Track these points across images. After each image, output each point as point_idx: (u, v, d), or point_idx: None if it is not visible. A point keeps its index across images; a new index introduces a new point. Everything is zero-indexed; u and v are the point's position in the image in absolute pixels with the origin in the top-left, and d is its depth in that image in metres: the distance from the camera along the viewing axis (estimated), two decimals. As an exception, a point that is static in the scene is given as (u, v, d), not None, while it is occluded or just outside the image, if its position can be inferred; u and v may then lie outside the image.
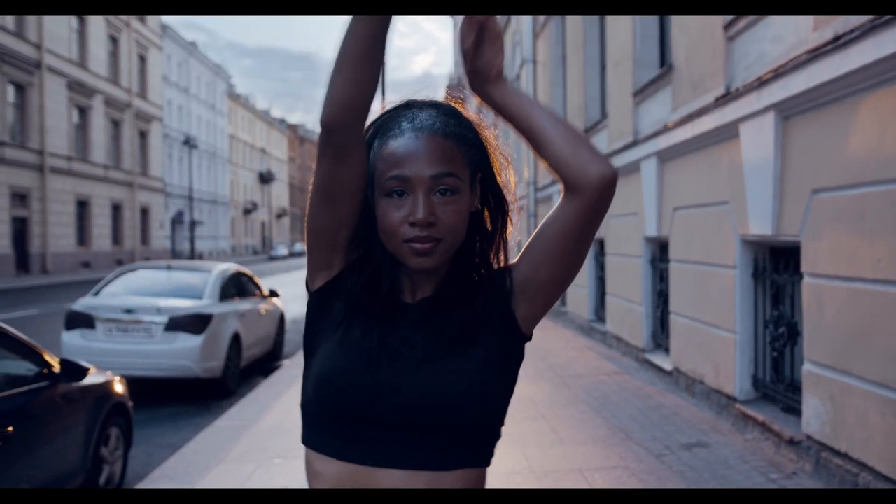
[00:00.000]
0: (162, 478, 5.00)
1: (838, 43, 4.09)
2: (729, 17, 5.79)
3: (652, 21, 8.56)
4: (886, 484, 3.83)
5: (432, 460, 1.16)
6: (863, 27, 3.86)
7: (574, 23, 12.14)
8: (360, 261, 1.23)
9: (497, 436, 1.24)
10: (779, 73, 4.80)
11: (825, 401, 4.43)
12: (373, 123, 1.24)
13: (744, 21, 5.56)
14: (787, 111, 4.89)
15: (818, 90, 4.41)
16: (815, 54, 4.35)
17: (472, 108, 1.32)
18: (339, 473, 1.18)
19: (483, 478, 1.22)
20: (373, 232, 1.21)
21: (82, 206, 35.04)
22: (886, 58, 3.71)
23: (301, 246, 75.32)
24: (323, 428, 1.21)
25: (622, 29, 9.07)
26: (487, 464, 1.22)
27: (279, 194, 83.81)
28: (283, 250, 65.74)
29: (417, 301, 1.23)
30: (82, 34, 35.62)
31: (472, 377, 1.16)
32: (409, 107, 1.24)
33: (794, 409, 5.08)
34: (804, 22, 4.66)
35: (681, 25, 6.99)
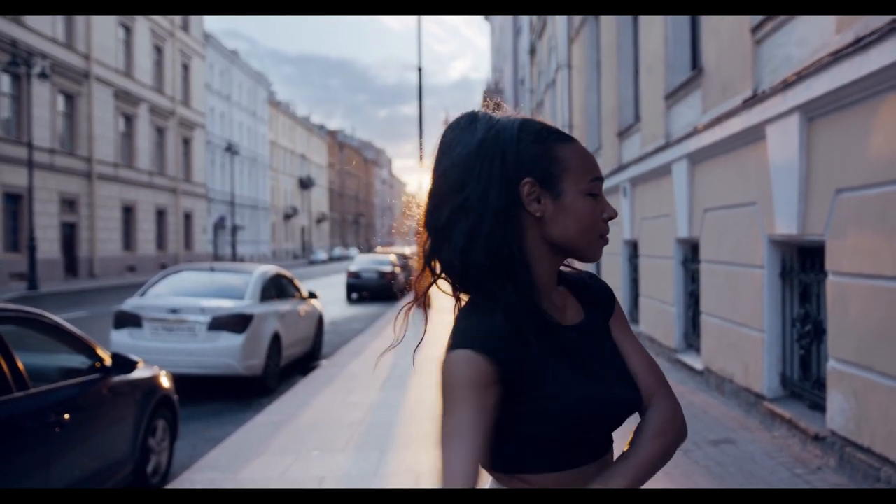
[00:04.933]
0: (206, 468, 5.24)
1: (859, 45, 4.17)
2: (756, 21, 5.87)
3: (684, 25, 8.63)
4: (907, 478, 3.90)
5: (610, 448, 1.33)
6: (881, 29, 3.94)
7: (608, 28, 12.23)
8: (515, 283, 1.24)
9: None
10: (803, 76, 4.88)
11: (849, 397, 4.49)
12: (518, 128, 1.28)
13: (770, 24, 5.64)
14: (811, 112, 4.97)
15: (841, 91, 4.49)
16: (837, 56, 4.43)
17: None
18: (569, 480, 1.25)
19: None
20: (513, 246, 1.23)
21: (128, 211, 35.97)
22: (904, 59, 3.79)
23: (340, 251, 76.06)
24: (569, 450, 1.25)
25: (655, 33, 9.16)
26: None
27: (319, 199, 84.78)
28: (322, 255, 66.50)
29: (574, 324, 1.33)
30: (128, 44, 36.61)
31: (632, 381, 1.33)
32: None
33: (819, 406, 5.14)
34: (828, 25, 4.74)
35: (711, 29, 7.07)
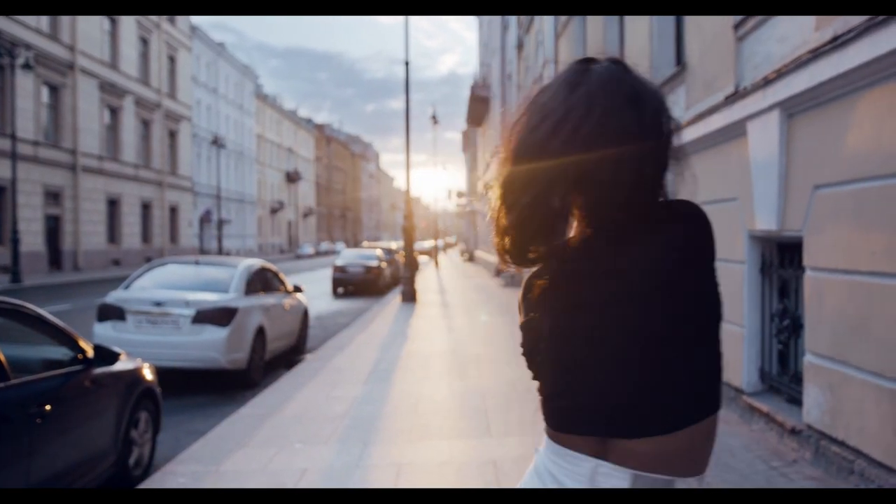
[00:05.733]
0: (188, 460, 5.25)
1: (837, 42, 4.22)
2: (738, 18, 5.92)
3: (668, 21, 8.68)
4: (880, 471, 3.97)
5: None
6: (859, 27, 3.99)
7: (594, 23, 12.27)
8: None
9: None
10: (783, 73, 4.94)
11: (825, 391, 4.56)
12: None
13: (752, 22, 5.69)
14: (791, 109, 5.02)
15: (819, 89, 4.54)
16: (816, 54, 4.48)
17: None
18: None
19: None
20: None
21: (113, 204, 35.78)
22: (881, 57, 3.84)
23: (327, 245, 75.94)
24: None
25: (640, 29, 9.21)
26: None
27: (306, 193, 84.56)
28: (309, 249, 66.41)
29: None
30: (114, 36, 36.36)
31: None
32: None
33: (797, 400, 5.21)
34: (807, 22, 4.79)
35: (695, 25, 7.12)
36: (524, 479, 1.28)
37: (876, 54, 3.88)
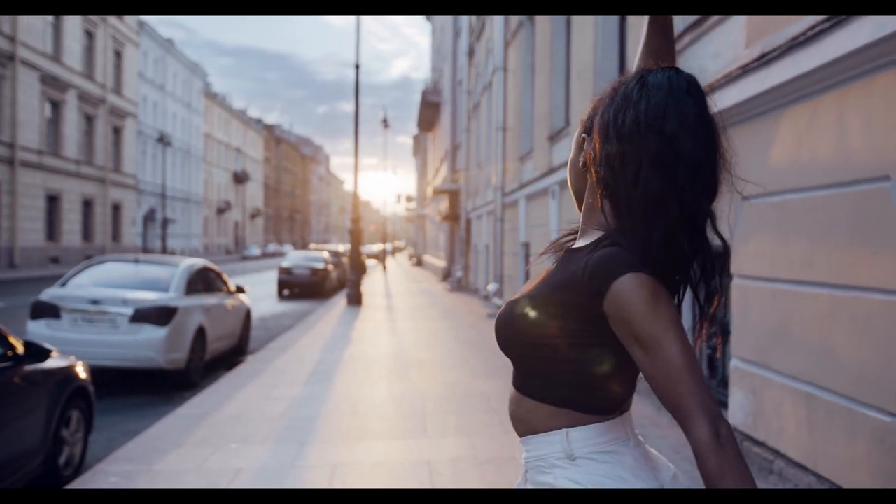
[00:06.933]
0: (121, 460, 5.18)
1: (763, 60, 4.41)
2: (677, 32, 6.11)
3: (612, 33, 8.90)
4: (797, 470, 4.14)
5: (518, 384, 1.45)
6: (782, 46, 4.18)
7: (542, 33, 12.47)
8: None
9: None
10: (714, 87, 5.12)
11: (748, 394, 4.74)
12: None
13: (689, 37, 5.89)
14: (721, 122, 5.20)
15: (747, 103, 4.72)
16: (745, 70, 4.67)
17: None
18: None
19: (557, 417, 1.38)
20: None
21: (52, 200, 34.81)
22: (801, 76, 4.03)
23: (274, 246, 75.12)
24: None
25: (585, 40, 9.40)
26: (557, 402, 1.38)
27: (254, 194, 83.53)
28: (255, 250, 65.62)
29: None
30: (57, 28, 35.43)
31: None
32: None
33: (724, 404, 5.39)
34: (739, 40, 4.99)
35: (637, 37, 7.31)
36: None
37: (797, 73, 4.07)
